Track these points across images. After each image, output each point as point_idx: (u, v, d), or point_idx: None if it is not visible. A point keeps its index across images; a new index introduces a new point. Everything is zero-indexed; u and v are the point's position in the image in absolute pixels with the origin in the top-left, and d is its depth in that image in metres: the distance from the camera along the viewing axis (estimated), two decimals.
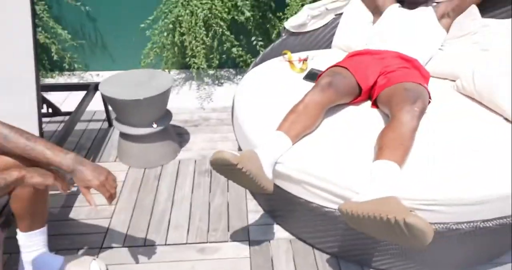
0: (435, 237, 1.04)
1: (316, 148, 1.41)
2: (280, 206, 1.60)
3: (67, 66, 2.87)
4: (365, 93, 1.68)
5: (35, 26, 1.62)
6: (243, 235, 1.64)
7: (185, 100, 2.68)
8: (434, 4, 2.00)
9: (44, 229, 1.37)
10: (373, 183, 1.20)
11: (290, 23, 2.25)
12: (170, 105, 2.04)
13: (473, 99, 1.70)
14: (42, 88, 1.93)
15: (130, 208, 1.79)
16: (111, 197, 1.17)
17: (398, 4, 2.02)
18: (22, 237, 1.34)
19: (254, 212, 1.76)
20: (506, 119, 1.54)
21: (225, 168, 1.25)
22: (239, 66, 2.84)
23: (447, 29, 1.97)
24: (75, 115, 1.92)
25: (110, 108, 2.31)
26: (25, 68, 1.59)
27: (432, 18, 1.92)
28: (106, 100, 1.86)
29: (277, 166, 1.39)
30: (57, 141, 1.75)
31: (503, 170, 1.26)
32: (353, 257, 1.48)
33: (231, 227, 1.68)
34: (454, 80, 1.83)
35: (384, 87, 1.61)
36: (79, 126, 2.39)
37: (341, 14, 2.29)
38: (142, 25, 2.66)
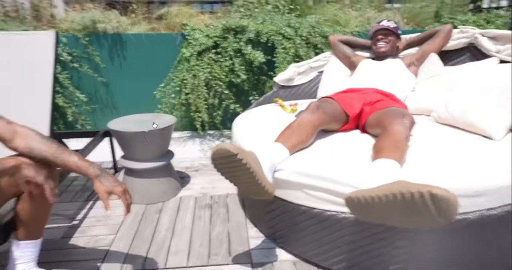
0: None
1: (312, 155, 1.36)
2: (281, 224, 1.48)
3: (79, 127, 2.89)
4: (352, 121, 1.68)
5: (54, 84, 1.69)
6: (245, 258, 1.47)
7: (188, 152, 2.66)
8: (401, 56, 2.16)
9: (38, 242, 1.25)
10: (376, 176, 1.12)
11: (279, 78, 2.37)
12: (175, 156, 2.02)
13: (449, 125, 1.71)
14: (54, 135, 1.91)
15: (130, 237, 1.63)
16: (129, 206, 1.16)
17: (369, 58, 2.17)
18: (16, 246, 1.19)
19: (255, 238, 1.61)
20: (482, 136, 1.54)
21: (225, 160, 1.18)
22: None
23: (416, 75, 2.08)
24: (82, 152, 1.86)
25: (116, 157, 2.27)
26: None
27: (402, 66, 2.04)
28: (113, 134, 1.83)
29: (276, 173, 1.32)
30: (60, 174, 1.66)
31: (491, 165, 1.21)
32: None
33: (232, 251, 1.52)
34: (428, 115, 1.87)
35: (370, 113, 1.63)
36: None
37: (322, 71, 2.44)
38: (154, 92, 2.78)
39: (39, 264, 1.27)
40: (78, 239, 1.62)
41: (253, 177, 1.18)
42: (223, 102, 2.77)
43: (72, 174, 2.26)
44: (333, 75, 2.31)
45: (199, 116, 2.65)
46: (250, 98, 2.83)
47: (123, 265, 1.44)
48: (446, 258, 1.21)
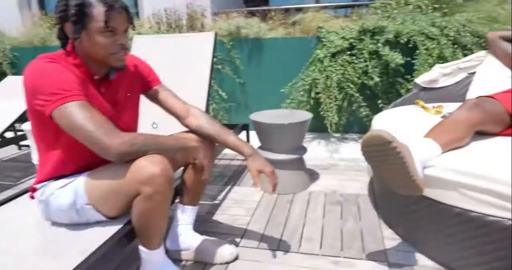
0: None
1: (470, 154, 1.23)
2: (425, 227, 1.37)
3: None
4: None
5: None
6: (380, 256, 1.41)
7: (315, 151, 2.69)
8: None
9: (196, 208, 1.42)
10: None
11: (421, 79, 2.22)
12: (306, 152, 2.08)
13: None
14: None
15: (264, 221, 1.73)
16: (275, 186, 1.27)
17: None
18: (180, 209, 1.38)
19: (390, 239, 1.53)
20: None
21: (378, 148, 1.14)
22: (366, 130, 2.80)
23: None
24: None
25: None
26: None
27: None
28: (255, 125, 1.98)
29: (426, 170, 1.23)
30: None
31: None
32: None
33: (365, 248, 1.48)
34: None
35: None
36: (224, 162, 2.55)
37: (474, 72, 2.19)
38: (282, 90, 2.92)
39: None
40: (219, 216, 1.79)
41: (405, 168, 1.12)
42: (352, 106, 2.73)
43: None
44: (490, 76, 2.05)
45: (328, 115, 2.67)
46: (379, 102, 2.71)
47: (259, 243, 1.53)
48: None
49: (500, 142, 1.32)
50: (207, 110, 1.92)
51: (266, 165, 1.26)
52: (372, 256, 1.41)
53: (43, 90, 0.96)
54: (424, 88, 2.23)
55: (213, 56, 1.98)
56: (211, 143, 1.30)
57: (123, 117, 1.19)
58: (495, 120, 1.43)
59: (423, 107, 2.00)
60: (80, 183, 1.07)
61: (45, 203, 1.11)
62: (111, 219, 1.12)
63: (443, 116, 1.80)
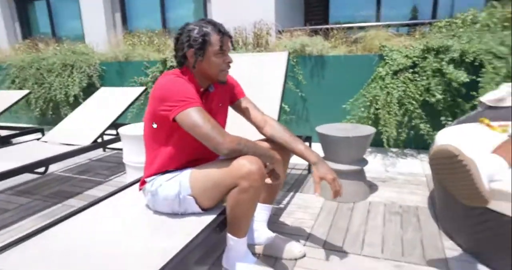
0: None
1: None
2: (489, 239, 1.42)
3: None
4: None
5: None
6: (442, 265, 1.48)
7: (373, 164, 2.77)
8: None
9: (270, 207, 1.59)
10: None
11: (487, 97, 2.23)
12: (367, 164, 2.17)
13: None
14: None
15: (327, 225, 1.86)
16: (337, 193, 1.37)
17: None
18: (257, 207, 1.57)
19: (451, 249, 1.59)
20: None
21: (445, 161, 1.24)
22: (424, 146, 2.83)
23: None
24: None
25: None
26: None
27: None
28: (320, 138, 2.13)
29: (494, 183, 1.30)
30: None
31: None
32: None
33: (427, 256, 1.55)
34: None
35: None
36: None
37: None
38: (344, 106, 3.04)
39: None
40: (285, 219, 1.95)
41: (471, 179, 1.20)
42: (412, 121, 2.78)
43: None
44: None
45: (386, 131, 2.74)
46: (442, 119, 2.73)
47: (324, 244, 1.67)
48: None
49: None
50: (279, 118, 2.11)
51: (328, 172, 1.37)
52: (433, 263, 1.49)
53: (171, 98, 1.21)
54: (490, 107, 2.24)
55: (286, 74, 2.18)
56: (285, 151, 1.48)
57: None
58: None
59: (488, 125, 2.02)
60: (185, 176, 1.30)
61: (154, 193, 1.35)
62: (204, 211, 1.33)
63: (510, 135, 1.82)
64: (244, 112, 1.55)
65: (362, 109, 2.92)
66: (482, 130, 1.94)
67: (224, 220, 1.30)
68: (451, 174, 1.25)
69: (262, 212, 1.58)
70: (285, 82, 2.12)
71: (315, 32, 3.75)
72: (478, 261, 1.48)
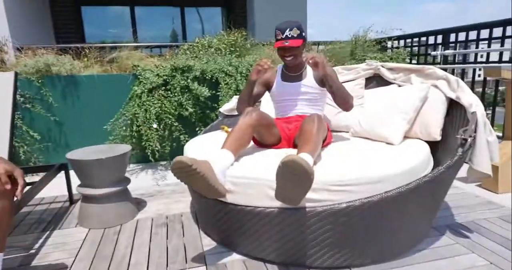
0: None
1: (243, 162, 1.57)
2: (232, 228, 1.62)
3: (32, 164, 2.86)
4: (285, 140, 1.87)
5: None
6: (200, 262, 1.59)
7: (142, 181, 2.74)
8: None
9: (0, 256, 1.26)
10: None
11: (224, 108, 2.61)
12: (129, 185, 2.10)
13: (363, 137, 2.04)
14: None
15: (89, 257, 1.67)
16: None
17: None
18: None
19: (209, 245, 1.74)
20: (386, 143, 1.87)
21: (183, 170, 1.35)
22: None
23: None
24: (37, 185, 1.89)
25: (72, 189, 2.31)
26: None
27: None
28: (73, 164, 1.91)
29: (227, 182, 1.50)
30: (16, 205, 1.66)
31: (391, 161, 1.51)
32: (296, 261, 1.49)
33: (188, 258, 1.63)
34: (347, 131, 2.20)
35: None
36: (41, 207, 2.30)
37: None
38: (105, 127, 2.87)
39: None
40: (37, 266, 1.62)
41: (206, 181, 1.37)
42: (173, 134, 2.94)
43: (25, 209, 2.24)
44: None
45: (150, 145, 2.78)
46: (197, 129, 3.02)
47: None
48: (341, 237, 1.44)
49: (268, 153, 1.72)
50: (10, 154, 1.73)
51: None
52: (194, 263, 1.58)
53: None
54: (227, 116, 2.63)
55: (15, 99, 1.82)
56: None
57: None
58: (268, 122, 1.74)
59: (226, 131, 2.36)
60: None
61: None
62: None
63: None
64: None
65: (124, 128, 2.84)
66: (222, 135, 2.23)
67: None
68: (191, 178, 1.38)
69: None
70: (15, 108, 1.77)
71: (65, 51, 3.38)
72: (229, 249, 1.67)
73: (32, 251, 1.75)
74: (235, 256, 1.62)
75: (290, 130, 1.86)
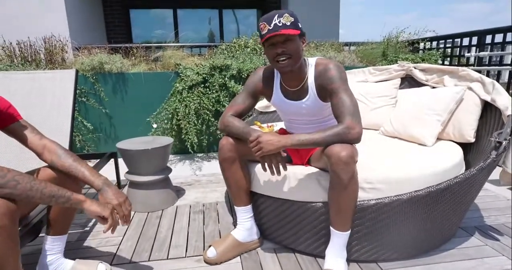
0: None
1: None
2: (263, 217, 1.64)
3: (86, 152, 3.02)
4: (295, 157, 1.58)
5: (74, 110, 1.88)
6: None
7: (181, 171, 2.82)
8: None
9: (65, 237, 1.37)
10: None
11: (258, 105, 2.62)
12: (170, 174, 2.16)
13: (393, 137, 1.98)
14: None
15: (136, 237, 1.75)
16: (124, 217, 1.18)
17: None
18: (47, 240, 1.32)
19: None
20: (419, 144, 1.81)
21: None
22: None
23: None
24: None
25: (120, 175, 2.42)
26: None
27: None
28: (121, 153, 2.00)
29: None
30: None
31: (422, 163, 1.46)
32: (323, 253, 1.48)
33: None
34: (377, 129, 2.15)
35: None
36: (93, 190, 2.43)
37: None
38: (148, 119, 2.98)
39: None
40: (90, 241, 1.73)
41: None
42: (210, 128, 2.99)
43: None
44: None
45: (189, 138, 2.85)
46: None
47: (132, 257, 1.56)
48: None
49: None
50: (71, 143, 1.85)
51: (114, 197, 1.16)
52: None
53: None
54: (261, 112, 2.64)
55: (75, 93, 1.93)
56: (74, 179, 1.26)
57: None
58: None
59: (260, 126, 2.37)
60: None
61: None
62: None
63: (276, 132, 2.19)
64: (19, 138, 1.26)
65: (165, 121, 2.94)
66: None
67: None
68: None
69: (53, 245, 1.33)
70: (75, 101, 1.88)
71: (115, 50, 3.53)
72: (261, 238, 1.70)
73: (87, 228, 1.87)
74: (267, 244, 1.64)
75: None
